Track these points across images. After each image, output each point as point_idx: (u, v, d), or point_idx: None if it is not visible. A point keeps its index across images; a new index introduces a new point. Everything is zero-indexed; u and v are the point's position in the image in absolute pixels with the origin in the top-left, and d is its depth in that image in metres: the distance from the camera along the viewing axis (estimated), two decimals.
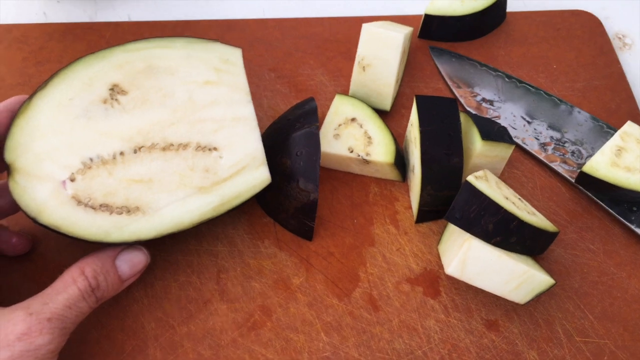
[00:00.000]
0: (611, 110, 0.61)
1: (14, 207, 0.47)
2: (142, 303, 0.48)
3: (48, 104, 0.42)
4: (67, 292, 0.40)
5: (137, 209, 0.43)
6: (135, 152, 0.43)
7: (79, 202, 0.41)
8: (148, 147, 0.44)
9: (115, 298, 0.47)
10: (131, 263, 0.44)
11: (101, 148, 0.42)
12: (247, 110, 0.48)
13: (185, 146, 0.45)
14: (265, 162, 0.47)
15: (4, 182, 0.47)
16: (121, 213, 0.42)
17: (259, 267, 0.50)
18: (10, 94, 0.59)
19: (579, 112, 0.60)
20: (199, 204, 0.44)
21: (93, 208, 0.41)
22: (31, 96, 0.42)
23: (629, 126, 0.53)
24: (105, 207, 0.42)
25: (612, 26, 0.70)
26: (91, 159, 0.42)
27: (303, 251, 0.51)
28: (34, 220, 0.40)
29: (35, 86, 0.60)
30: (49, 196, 0.40)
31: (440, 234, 0.52)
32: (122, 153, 0.43)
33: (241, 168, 0.46)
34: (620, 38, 0.69)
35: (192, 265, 0.50)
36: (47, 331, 0.38)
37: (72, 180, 0.41)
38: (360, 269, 0.50)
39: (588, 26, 0.68)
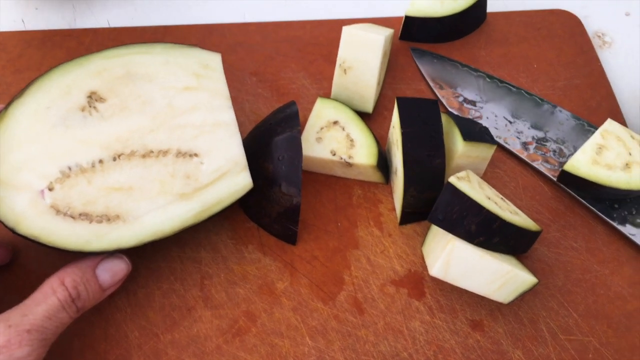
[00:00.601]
0: (592, 109, 0.61)
1: None
2: (125, 312, 0.48)
3: (25, 113, 0.41)
4: (46, 302, 0.40)
5: (117, 217, 0.42)
6: (114, 159, 0.43)
7: (58, 212, 0.40)
8: (127, 155, 0.43)
9: (97, 307, 0.46)
10: (112, 272, 0.44)
11: (80, 156, 0.42)
12: (227, 116, 0.47)
13: (165, 153, 0.44)
14: (247, 168, 0.47)
15: None
16: (101, 221, 0.42)
17: (243, 273, 0.50)
18: None
19: (560, 111, 0.60)
20: (180, 210, 0.44)
21: (72, 217, 0.41)
22: (7, 105, 0.41)
23: (609, 124, 0.53)
24: (85, 216, 0.41)
25: (592, 25, 0.71)
26: (70, 168, 0.41)
27: (287, 255, 0.51)
28: (12, 231, 0.39)
29: (13, 94, 0.59)
30: (27, 206, 0.40)
31: (424, 235, 0.52)
32: (101, 161, 0.42)
33: (222, 174, 0.46)
34: (600, 36, 0.70)
35: (175, 273, 0.50)
36: (26, 343, 0.38)
37: (51, 189, 0.41)
38: (344, 272, 0.50)
39: (568, 25, 0.69)
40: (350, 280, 0.50)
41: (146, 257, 0.50)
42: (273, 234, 0.52)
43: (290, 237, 0.51)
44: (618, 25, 0.71)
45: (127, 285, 0.48)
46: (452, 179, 0.45)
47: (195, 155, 0.45)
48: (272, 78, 0.62)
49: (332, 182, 0.55)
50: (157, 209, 0.43)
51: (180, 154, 0.45)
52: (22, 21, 0.67)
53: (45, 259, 0.50)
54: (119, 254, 0.45)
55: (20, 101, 0.41)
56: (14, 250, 0.50)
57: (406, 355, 0.46)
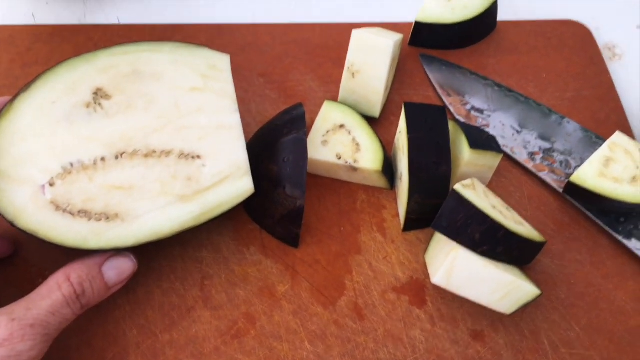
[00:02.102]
0: (600, 121, 0.61)
1: None
2: (124, 309, 0.47)
3: (30, 107, 0.41)
4: (51, 298, 0.40)
5: (116, 216, 0.42)
6: (116, 158, 0.43)
7: (58, 207, 0.40)
8: (130, 154, 0.43)
9: (97, 304, 0.46)
10: (118, 270, 0.44)
11: (82, 153, 0.42)
12: (233, 119, 0.47)
13: (168, 153, 0.44)
14: (249, 172, 0.47)
15: None
16: (100, 220, 0.41)
17: (244, 274, 0.50)
18: None
19: (568, 122, 0.60)
20: (180, 212, 0.44)
21: (71, 214, 0.41)
22: (13, 98, 0.41)
23: (617, 136, 0.53)
24: (84, 213, 0.41)
25: (603, 37, 0.70)
26: (72, 164, 0.41)
27: (289, 258, 0.51)
28: (11, 224, 0.39)
29: (21, 88, 0.59)
30: (27, 200, 0.40)
31: (427, 242, 0.52)
32: (103, 159, 0.42)
33: (224, 177, 0.46)
34: (610, 49, 0.69)
35: (176, 272, 0.49)
36: (29, 337, 0.38)
37: (52, 184, 0.41)
38: (346, 277, 0.50)
39: (579, 36, 0.68)
40: (351, 286, 0.49)
41: (147, 255, 0.50)
42: (275, 236, 0.51)
43: (292, 239, 0.50)
44: (629, 38, 0.70)
45: (127, 284, 0.48)
46: (458, 187, 0.45)
47: (198, 157, 0.45)
48: (280, 80, 0.62)
49: (336, 186, 0.55)
50: (157, 209, 0.43)
51: (183, 155, 0.45)
52: (33, 15, 0.67)
53: (48, 253, 0.49)
54: (126, 252, 0.45)
55: (26, 95, 0.41)
56: (16, 243, 0.50)
57: None
